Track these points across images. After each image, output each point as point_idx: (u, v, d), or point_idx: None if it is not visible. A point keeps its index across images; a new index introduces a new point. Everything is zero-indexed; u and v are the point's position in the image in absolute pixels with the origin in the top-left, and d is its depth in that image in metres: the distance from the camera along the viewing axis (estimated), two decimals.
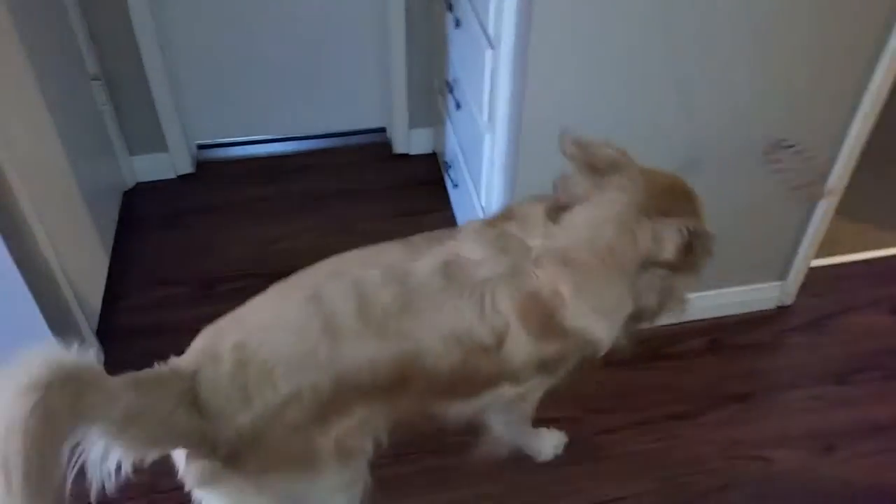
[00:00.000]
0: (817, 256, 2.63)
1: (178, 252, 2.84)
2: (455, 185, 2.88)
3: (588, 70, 1.89)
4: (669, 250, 1.41)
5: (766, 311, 2.62)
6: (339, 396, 1.35)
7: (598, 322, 1.46)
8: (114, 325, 2.54)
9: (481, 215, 2.42)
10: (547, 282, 1.42)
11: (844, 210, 2.47)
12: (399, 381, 1.41)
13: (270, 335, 1.36)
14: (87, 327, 2.39)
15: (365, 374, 1.37)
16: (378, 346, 1.37)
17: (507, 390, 1.57)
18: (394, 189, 3.19)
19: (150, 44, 2.85)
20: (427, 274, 1.42)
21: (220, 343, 1.36)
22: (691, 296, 2.26)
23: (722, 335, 2.54)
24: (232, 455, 1.31)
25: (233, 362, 1.32)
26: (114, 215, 2.96)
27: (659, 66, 1.92)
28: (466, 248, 1.47)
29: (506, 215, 1.56)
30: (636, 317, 1.56)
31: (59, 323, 2.22)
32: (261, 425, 1.31)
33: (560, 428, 2.17)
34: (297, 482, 1.43)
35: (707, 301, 2.53)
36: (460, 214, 2.90)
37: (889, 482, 2.13)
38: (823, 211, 2.39)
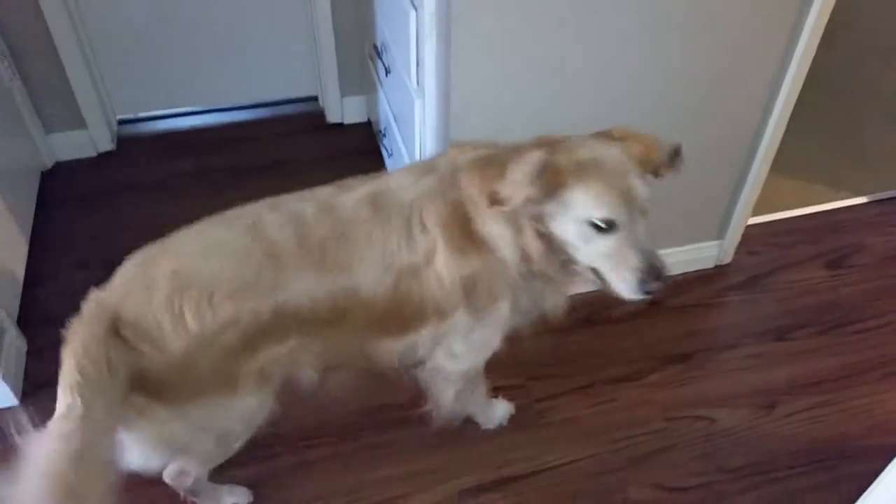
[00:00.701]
0: (754, 214, 2.63)
1: (100, 233, 2.71)
2: (390, 154, 2.80)
3: (514, 28, 1.82)
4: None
5: (704, 270, 2.62)
6: (277, 323, 1.40)
7: (500, 227, 1.47)
8: (35, 312, 2.42)
9: None
10: (466, 188, 1.48)
11: (779, 168, 2.47)
12: (337, 313, 1.45)
13: (210, 261, 1.40)
14: (7, 317, 2.27)
15: (305, 303, 1.42)
16: (318, 278, 1.43)
17: (436, 327, 1.59)
18: (327, 160, 3.09)
19: (58, 13, 2.68)
20: (357, 204, 1.49)
21: (153, 271, 1.38)
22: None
23: (661, 296, 2.52)
24: (158, 387, 1.35)
25: (169, 289, 1.34)
26: (31, 197, 2.81)
27: (582, 29, 1.86)
28: (395, 178, 1.58)
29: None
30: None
31: None
32: (194, 350, 1.34)
33: (503, 396, 2.14)
34: (216, 406, 1.45)
35: None
36: None
37: (830, 436, 2.15)
38: (758, 169, 2.38)
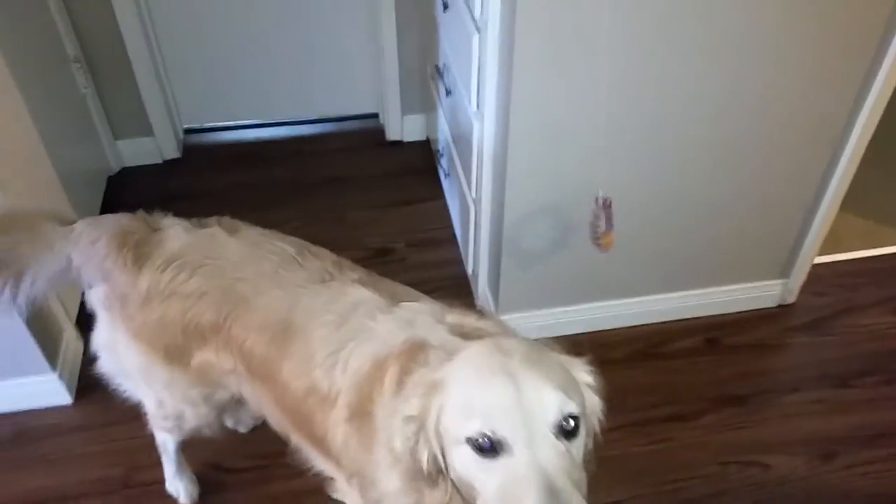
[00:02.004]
0: (821, 253, 2.54)
1: None
2: (446, 175, 2.79)
3: (577, 56, 1.79)
4: None
5: (766, 309, 2.53)
6: (223, 325, 1.42)
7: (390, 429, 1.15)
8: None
9: (471, 206, 2.34)
10: (395, 359, 1.22)
11: (849, 206, 2.38)
12: (267, 371, 1.42)
13: (218, 253, 1.46)
14: (66, 317, 2.32)
15: (246, 336, 1.41)
16: (263, 325, 1.40)
17: (346, 477, 1.42)
18: (385, 177, 3.10)
19: (133, 24, 2.76)
20: (338, 296, 1.38)
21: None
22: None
23: (720, 334, 2.45)
24: (124, 308, 1.48)
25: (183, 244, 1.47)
26: (97, 201, 2.88)
27: (653, 56, 1.82)
28: (380, 307, 1.35)
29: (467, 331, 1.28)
30: None
31: (38, 315, 2.15)
32: (153, 290, 1.43)
33: None
34: (159, 367, 1.54)
35: (705, 298, 2.44)
36: (452, 204, 2.81)
37: (890, 491, 2.04)
38: (828, 206, 2.29)
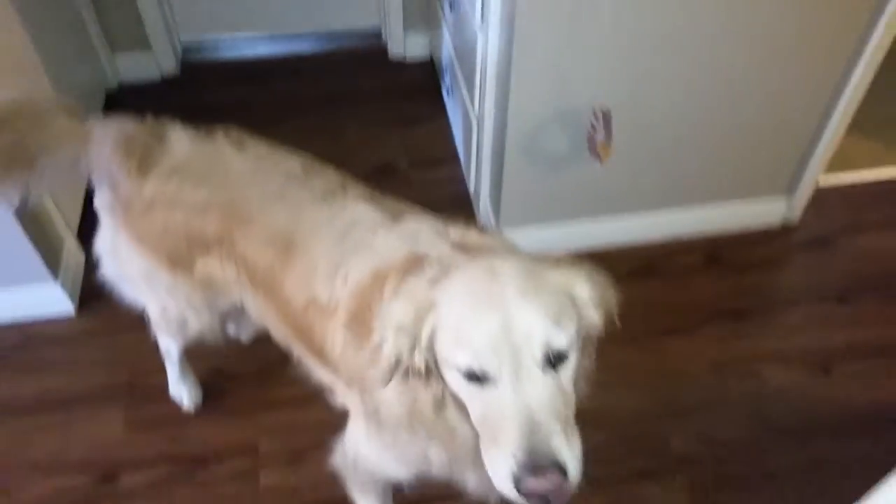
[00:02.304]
0: (826, 173, 2.51)
1: None
2: (449, 93, 2.75)
3: None
4: None
5: (769, 227, 2.52)
6: (227, 237, 1.43)
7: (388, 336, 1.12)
8: (95, 226, 2.46)
9: (474, 123, 2.31)
10: (396, 272, 1.21)
11: (858, 127, 2.34)
12: (269, 283, 1.42)
13: (223, 167, 1.45)
14: (67, 229, 2.32)
15: (249, 249, 1.42)
16: (268, 236, 1.40)
17: (345, 386, 1.43)
18: (387, 96, 3.06)
19: None
20: (340, 211, 1.38)
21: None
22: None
23: (722, 251, 2.44)
24: (127, 213, 1.50)
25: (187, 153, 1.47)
26: (96, 114, 2.85)
27: None
28: (379, 219, 1.34)
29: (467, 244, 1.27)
30: None
31: (39, 224, 2.16)
32: (157, 197, 1.44)
33: None
34: (163, 273, 1.55)
35: (708, 215, 2.43)
36: (455, 123, 2.78)
37: (884, 403, 2.06)
38: (836, 124, 2.26)
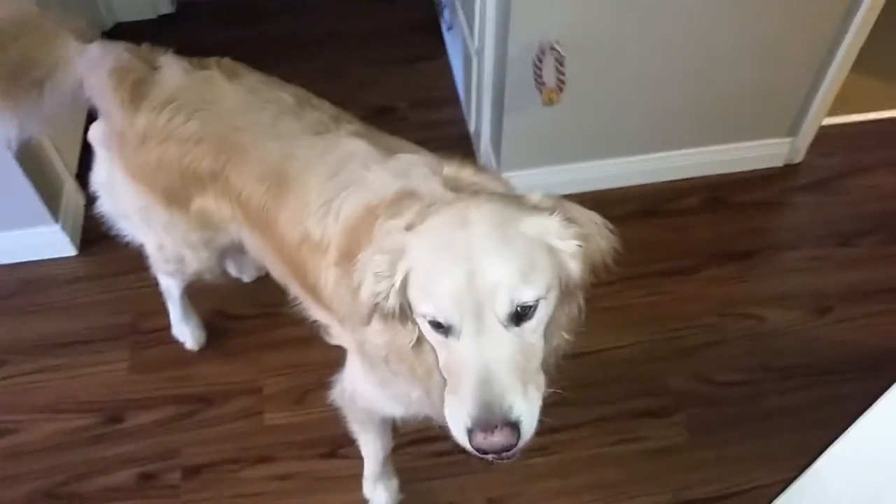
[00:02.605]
0: (830, 114, 2.48)
1: None
2: (449, 28, 2.70)
3: None
4: None
5: (772, 168, 2.50)
6: (221, 173, 1.42)
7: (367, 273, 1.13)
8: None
9: (474, 58, 2.27)
10: (386, 209, 1.21)
11: (862, 66, 2.31)
12: (263, 220, 1.41)
13: (215, 99, 1.43)
14: (66, 171, 2.31)
15: (242, 184, 1.40)
16: (261, 171, 1.38)
17: (338, 324, 1.45)
18: (387, 34, 3.00)
19: None
20: (333, 145, 1.36)
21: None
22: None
23: (724, 193, 2.43)
24: (121, 147, 1.49)
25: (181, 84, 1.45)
26: None
27: None
28: (371, 154, 1.33)
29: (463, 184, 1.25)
30: None
31: (38, 167, 2.15)
32: (150, 130, 1.42)
33: None
34: (159, 209, 1.54)
35: (710, 157, 2.42)
36: (455, 63, 2.74)
37: (883, 344, 2.08)
38: (839, 64, 2.23)
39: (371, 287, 1.08)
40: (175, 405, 2.00)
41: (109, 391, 2.04)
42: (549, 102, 1.98)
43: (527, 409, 0.99)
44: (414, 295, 1.05)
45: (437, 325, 1.03)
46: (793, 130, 2.43)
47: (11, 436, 1.98)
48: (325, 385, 1.59)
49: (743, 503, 1.84)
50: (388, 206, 1.20)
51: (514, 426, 0.98)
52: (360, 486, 1.84)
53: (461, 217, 1.04)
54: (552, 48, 1.90)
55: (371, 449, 1.73)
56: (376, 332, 1.21)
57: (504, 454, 1.00)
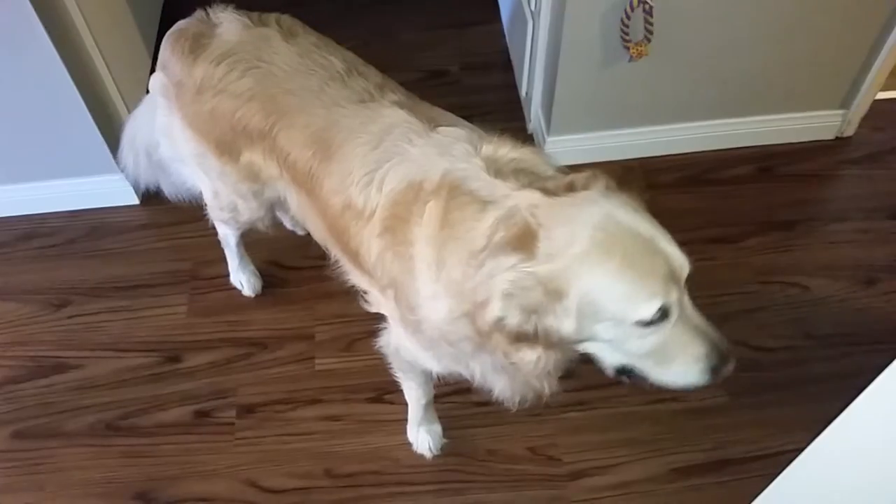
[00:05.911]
0: (885, 89, 2.46)
1: None
2: None
3: None
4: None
5: (823, 140, 2.49)
6: (269, 133, 1.48)
7: (423, 269, 1.27)
8: None
9: (529, 21, 2.30)
10: (435, 195, 1.26)
11: None
12: (308, 182, 1.46)
13: (270, 58, 1.48)
14: None
15: (289, 146, 1.46)
16: (307, 135, 1.44)
17: (370, 283, 1.50)
18: None
19: None
20: (378, 116, 1.40)
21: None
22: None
23: (773, 163, 2.44)
24: (179, 96, 1.57)
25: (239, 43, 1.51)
26: (156, 14, 2.89)
27: None
28: (422, 136, 1.35)
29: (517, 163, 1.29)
30: None
31: (107, 120, 2.24)
32: (206, 83, 1.49)
33: None
34: (213, 159, 1.62)
35: (761, 126, 2.42)
36: (509, 27, 2.77)
37: None
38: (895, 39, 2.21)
39: (508, 314, 1.13)
40: (231, 348, 2.10)
41: (169, 333, 2.14)
42: (638, 57, 2.01)
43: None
44: (613, 310, 1.13)
45: (649, 322, 1.13)
46: (846, 103, 2.42)
47: (75, 370, 2.09)
48: (372, 334, 1.67)
49: (777, 465, 1.86)
50: (436, 192, 1.25)
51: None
52: (404, 430, 1.92)
53: (609, 220, 1.14)
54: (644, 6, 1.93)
55: (414, 395, 1.81)
56: (444, 321, 1.28)
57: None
